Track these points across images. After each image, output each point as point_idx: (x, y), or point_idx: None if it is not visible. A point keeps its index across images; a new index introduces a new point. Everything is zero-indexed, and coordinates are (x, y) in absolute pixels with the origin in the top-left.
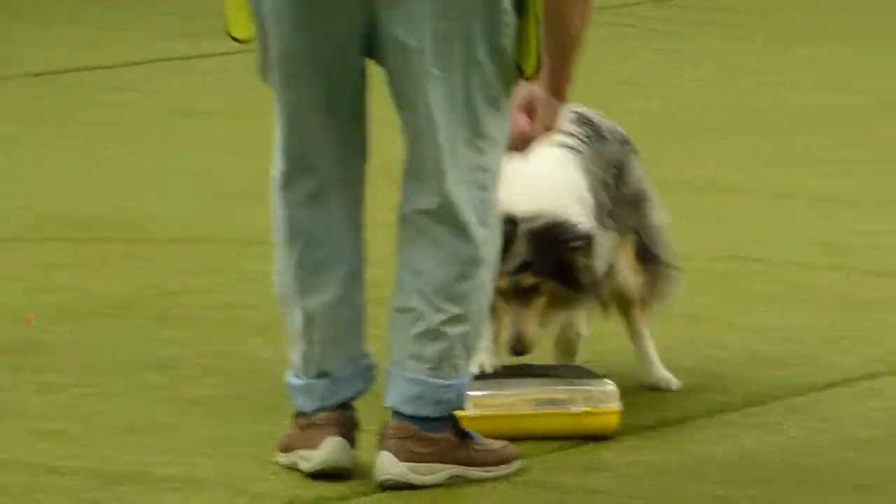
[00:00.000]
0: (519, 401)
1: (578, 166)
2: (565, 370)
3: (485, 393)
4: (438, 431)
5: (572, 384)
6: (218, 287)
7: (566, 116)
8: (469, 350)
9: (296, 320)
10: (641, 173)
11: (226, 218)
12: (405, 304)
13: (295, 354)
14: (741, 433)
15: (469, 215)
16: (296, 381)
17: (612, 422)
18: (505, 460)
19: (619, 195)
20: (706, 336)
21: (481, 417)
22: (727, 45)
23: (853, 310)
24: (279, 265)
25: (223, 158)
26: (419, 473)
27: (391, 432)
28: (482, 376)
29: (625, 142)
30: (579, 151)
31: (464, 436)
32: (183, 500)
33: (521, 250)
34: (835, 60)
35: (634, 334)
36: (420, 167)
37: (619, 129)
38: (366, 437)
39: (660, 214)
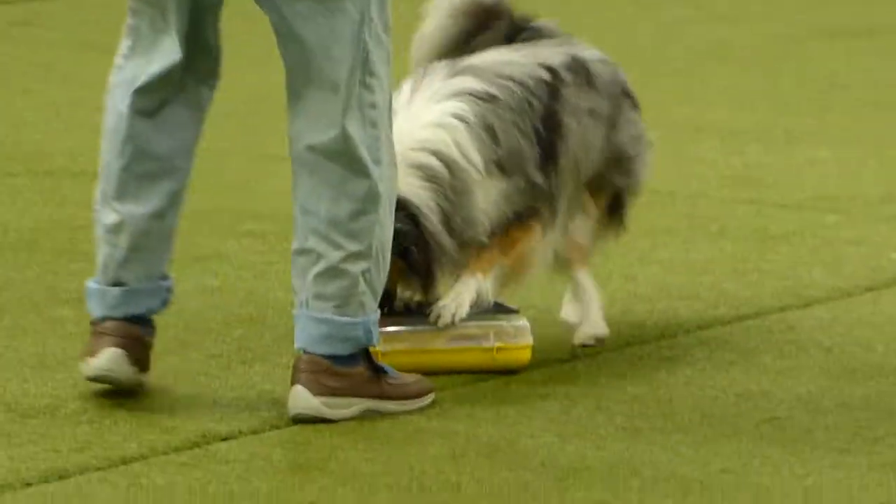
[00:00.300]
0: (432, 336)
1: (466, 111)
2: (479, 306)
3: (398, 329)
4: (351, 366)
5: (484, 319)
6: None
7: (559, 55)
8: (373, 287)
9: (106, 221)
10: (636, 131)
11: None
12: (303, 245)
13: (98, 257)
14: (652, 366)
15: (364, 153)
16: (92, 286)
17: (524, 356)
18: (419, 394)
19: (602, 149)
20: (618, 269)
21: (394, 352)
22: None
23: (764, 243)
24: (105, 160)
25: None
26: (332, 407)
27: (304, 366)
28: (395, 312)
29: (621, 95)
30: (485, 100)
31: (377, 370)
32: (95, 433)
33: None
34: None
35: (576, 285)
36: (312, 105)
37: (620, 80)
38: (281, 371)
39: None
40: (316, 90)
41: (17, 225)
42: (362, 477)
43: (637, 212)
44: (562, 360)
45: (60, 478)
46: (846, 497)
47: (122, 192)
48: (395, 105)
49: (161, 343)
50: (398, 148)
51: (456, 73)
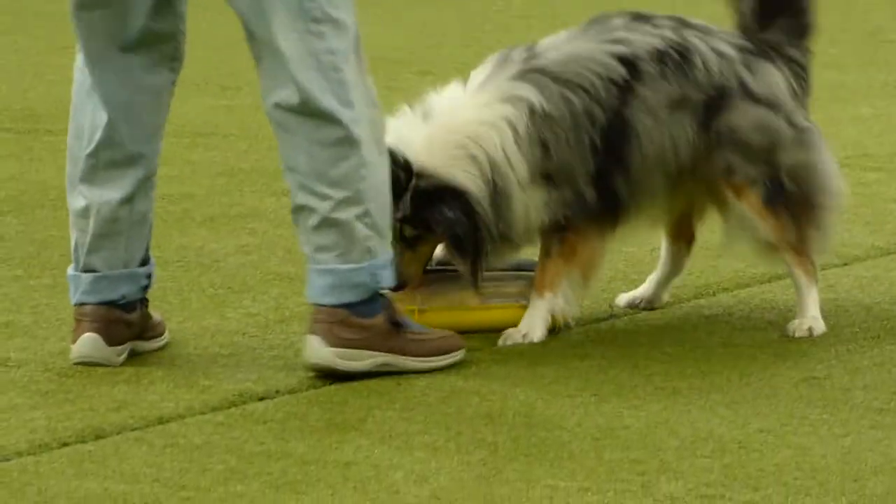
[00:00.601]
0: (468, 294)
1: (520, 120)
2: (516, 264)
3: (434, 287)
4: (369, 317)
5: (521, 277)
6: (166, 179)
7: (657, 39)
8: (377, 228)
9: (75, 206)
10: (754, 117)
11: (174, 108)
12: (296, 202)
13: (70, 242)
14: (690, 326)
15: (329, 101)
16: (69, 272)
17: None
18: (442, 351)
19: (694, 139)
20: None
21: (431, 310)
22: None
23: None
24: (72, 138)
25: None
26: (345, 359)
27: (320, 317)
28: (431, 270)
29: (730, 86)
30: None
31: (397, 324)
32: (132, 393)
33: (405, 203)
34: None
35: (795, 286)
36: (266, 64)
37: (733, 72)
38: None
39: (798, 153)
40: (264, 49)
41: (57, 182)
42: (399, 437)
43: None
44: (599, 320)
45: (97, 437)
46: (884, 457)
47: (90, 177)
48: (470, 81)
49: (199, 302)
50: (455, 126)
51: (525, 74)
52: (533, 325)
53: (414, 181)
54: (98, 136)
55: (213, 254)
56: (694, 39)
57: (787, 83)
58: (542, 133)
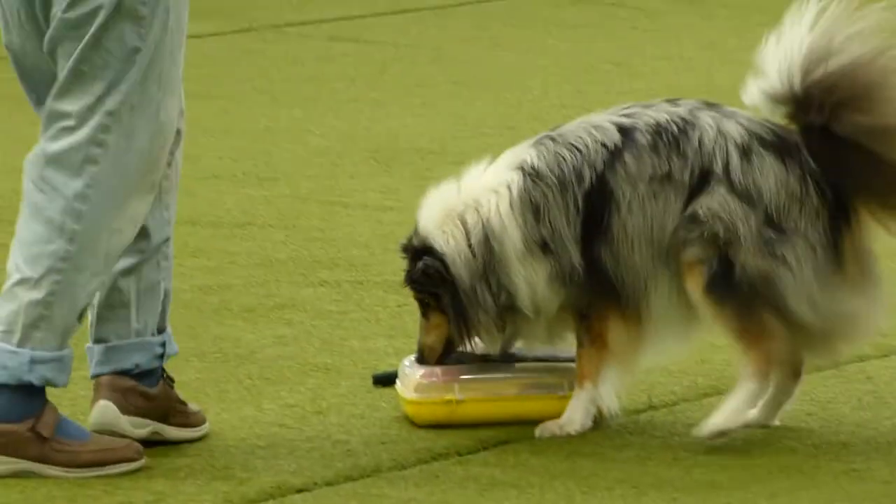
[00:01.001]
0: (507, 385)
1: (516, 184)
2: (553, 355)
3: (472, 377)
4: (8, 422)
5: (558, 368)
6: (203, 269)
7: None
8: (51, 322)
9: None
10: (721, 204)
11: (210, 200)
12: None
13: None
14: None
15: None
16: (87, 345)
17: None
18: (98, 463)
19: (676, 218)
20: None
21: (468, 401)
22: (714, 24)
23: None
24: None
25: (207, 141)
26: None
27: None
28: (470, 360)
29: (715, 171)
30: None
31: (39, 435)
32: (170, 485)
33: (408, 265)
34: None
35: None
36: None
37: (721, 157)
38: (357, 422)
39: (756, 259)
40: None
41: None
42: None
43: None
44: (638, 411)
45: None
46: None
47: None
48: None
49: (236, 392)
50: (464, 191)
51: (537, 141)
52: (572, 417)
53: (410, 240)
54: None
55: (250, 345)
56: (705, 117)
57: (787, 182)
58: (533, 195)
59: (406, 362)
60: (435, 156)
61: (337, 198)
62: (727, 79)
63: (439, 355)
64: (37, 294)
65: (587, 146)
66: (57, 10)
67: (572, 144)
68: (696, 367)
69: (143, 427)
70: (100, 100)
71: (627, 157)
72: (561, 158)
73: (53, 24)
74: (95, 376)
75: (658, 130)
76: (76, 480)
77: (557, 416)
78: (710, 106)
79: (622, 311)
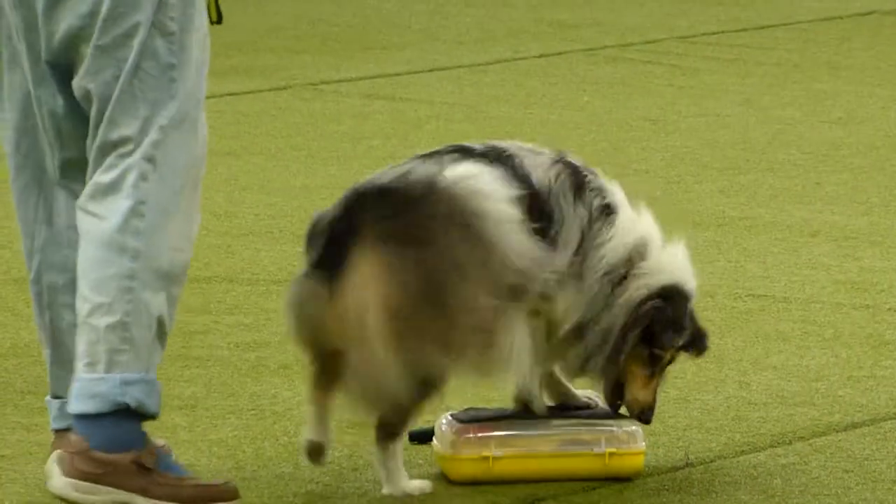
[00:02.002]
0: (543, 441)
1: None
2: (590, 410)
3: (508, 433)
4: (112, 452)
5: (596, 424)
6: (240, 326)
7: None
8: (133, 343)
9: (39, 334)
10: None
11: (247, 257)
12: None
13: None
14: (766, 474)
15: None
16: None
17: (637, 463)
18: (199, 499)
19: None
20: (732, 375)
21: (505, 458)
22: (750, 82)
23: (878, 348)
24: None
25: (244, 198)
26: (81, 491)
27: (64, 444)
28: (507, 416)
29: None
30: None
31: (143, 466)
32: None
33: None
34: (851, 96)
35: None
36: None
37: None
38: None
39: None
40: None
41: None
42: None
43: (750, 317)
44: (675, 468)
45: None
46: None
47: (37, 305)
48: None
49: (273, 450)
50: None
51: None
52: None
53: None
54: (39, 260)
55: (287, 401)
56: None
57: None
58: None
59: (443, 419)
60: None
61: None
62: (762, 135)
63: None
64: (112, 318)
65: None
66: (89, 44)
67: None
68: (732, 424)
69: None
70: (148, 121)
71: None
72: None
73: (87, 59)
74: (54, 430)
75: None
76: None
77: (593, 473)
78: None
79: None
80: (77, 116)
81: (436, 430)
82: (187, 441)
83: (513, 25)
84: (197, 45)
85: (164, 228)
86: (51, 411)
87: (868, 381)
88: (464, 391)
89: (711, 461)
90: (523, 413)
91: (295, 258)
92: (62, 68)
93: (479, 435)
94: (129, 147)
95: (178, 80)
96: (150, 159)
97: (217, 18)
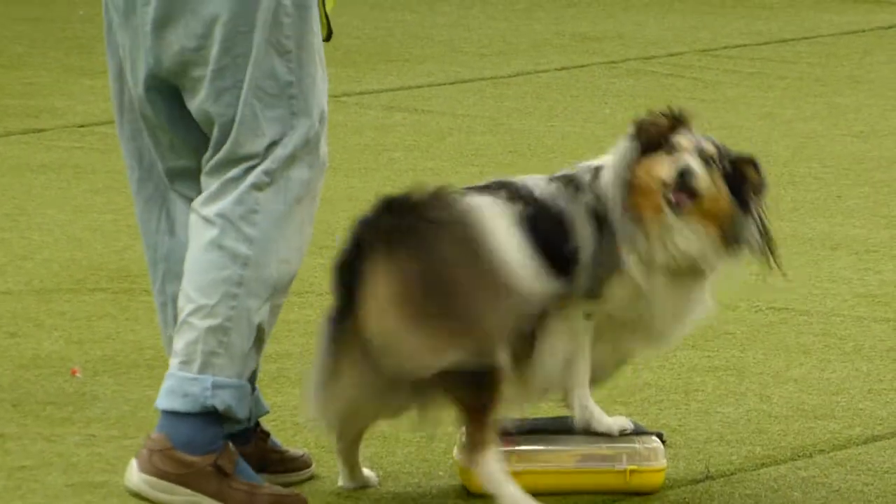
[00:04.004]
0: (564, 456)
1: None
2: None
3: (530, 448)
4: (192, 454)
5: (617, 440)
6: None
7: None
8: (229, 348)
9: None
10: None
11: None
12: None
13: None
14: (787, 487)
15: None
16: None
17: (658, 479)
18: None
19: None
20: (752, 388)
21: (525, 472)
22: (772, 95)
23: None
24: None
25: None
26: (157, 490)
27: (146, 442)
28: (528, 430)
29: None
30: None
31: (221, 470)
32: None
33: None
34: (873, 109)
35: None
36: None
37: None
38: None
39: None
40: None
41: (154, 342)
42: None
43: (771, 330)
44: (695, 481)
45: None
46: None
47: (162, 316)
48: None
49: None
50: None
51: None
52: None
53: None
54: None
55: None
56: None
57: None
58: None
59: (464, 431)
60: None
61: None
62: (784, 149)
63: None
64: (214, 321)
65: None
66: (202, 66)
67: None
68: (753, 437)
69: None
70: (274, 140)
71: None
72: None
73: (205, 82)
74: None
75: None
76: None
77: (614, 489)
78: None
79: None
80: (185, 127)
81: (457, 441)
82: None
83: (535, 38)
84: (315, 61)
85: (275, 239)
86: None
87: (889, 394)
88: None
89: (732, 474)
90: (546, 426)
91: (317, 270)
92: (171, 87)
93: (501, 449)
94: (255, 162)
95: (298, 97)
96: (268, 172)
97: (327, 35)
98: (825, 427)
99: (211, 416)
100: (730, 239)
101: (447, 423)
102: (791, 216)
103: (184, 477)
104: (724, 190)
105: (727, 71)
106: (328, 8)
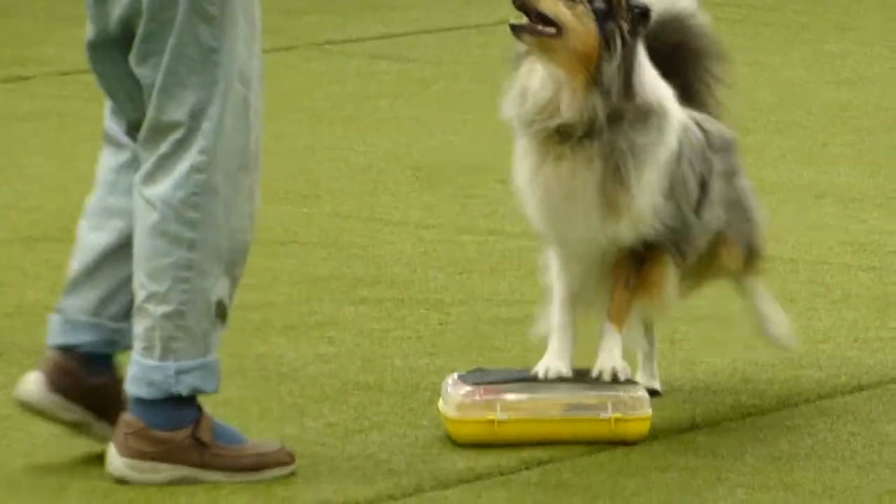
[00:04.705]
0: (549, 405)
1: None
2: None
3: (515, 397)
4: (167, 430)
5: (603, 389)
6: (244, 287)
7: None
8: (189, 331)
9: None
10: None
11: None
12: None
13: None
14: (772, 436)
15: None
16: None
17: (643, 428)
18: (260, 467)
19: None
20: (738, 337)
21: (510, 421)
22: (758, 43)
23: (885, 310)
24: None
25: None
26: (139, 471)
27: (119, 426)
28: (514, 378)
29: (733, 150)
30: None
31: (200, 441)
32: (209, 503)
33: None
34: (860, 57)
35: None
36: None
37: (729, 136)
38: (398, 441)
39: None
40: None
41: None
42: None
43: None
44: (681, 431)
45: None
46: None
47: (91, 218)
48: None
49: (279, 411)
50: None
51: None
52: (615, 357)
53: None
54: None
55: (293, 363)
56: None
57: None
58: (683, 148)
59: (449, 380)
60: (477, 173)
61: (379, 215)
62: (770, 96)
63: None
64: (168, 307)
65: (701, 132)
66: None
67: (696, 129)
68: (739, 386)
69: (72, 412)
70: (197, 107)
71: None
72: (694, 133)
73: (135, 45)
74: (48, 347)
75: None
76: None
77: (599, 438)
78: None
79: (675, 265)
80: (135, 83)
81: (441, 391)
82: None
83: None
84: (243, 23)
85: (221, 215)
86: (49, 323)
87: (875, 343)
88: (468, 354)
89: (717, 423)
90: (530, 375)
91: (300, 218)
92: (119, 47)
93: (485, 398)
94: (180, 133)
95: (222, 63)
96: (203, 151)
97: None
98: (811, 376)
99: (178, 399)
100: (595, 85)
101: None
102: (777, 164)
103: (164, 453)
104: (589, 25)
105: (713, 18)
106: None
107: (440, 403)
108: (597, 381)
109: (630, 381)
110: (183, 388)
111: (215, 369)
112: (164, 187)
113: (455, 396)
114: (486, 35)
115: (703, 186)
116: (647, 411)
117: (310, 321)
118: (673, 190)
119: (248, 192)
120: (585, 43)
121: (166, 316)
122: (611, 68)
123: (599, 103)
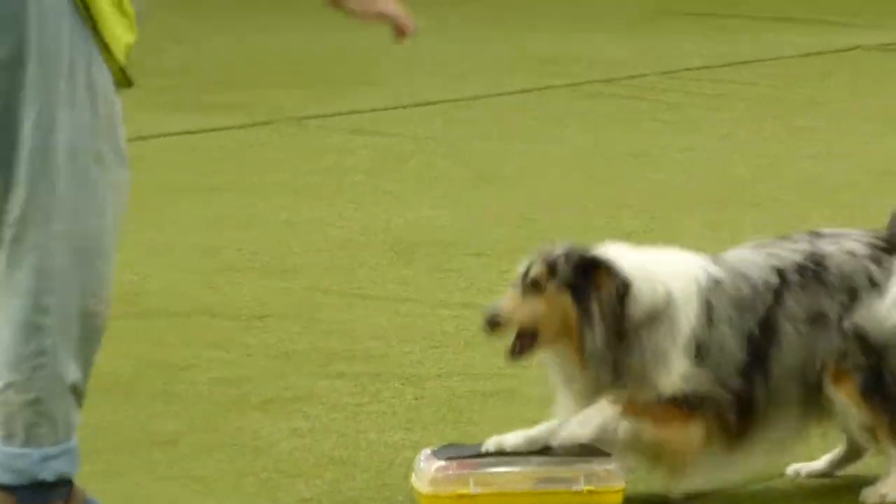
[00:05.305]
0: (522, 478)
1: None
2: (570, 447)
3: (487, 470)
4: None
5: (575, 462)
6: (221, 362)
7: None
8: (49, 416)
9: None
10: (879, 315)
11: (229, 292)
12: None
13: None
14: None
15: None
16: None
17: (616, 500)
18: None
19: (832, 348)
20: None
21: (483, 495)
22: (732, 116)
23: None
24: None
25: (225, 233)
26: None
27: None
28: (487, 454)
29: (862, 286)
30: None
31: None
32: None
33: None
34: (831, 132)
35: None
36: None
37: (861, 270)
38: None
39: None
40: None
41: (113, 367)
42: None
43: None
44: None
45: None
46: None
47: None
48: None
49: (252, 486)
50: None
51: (716, 259)
52: (588, 422)
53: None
54: None
55: (268, 437)
56: (828, 247)
57: None
58: (712, 301)
59: (421, 456)
60: (454, 248)
61: (356, 290)
62: (743, 169)
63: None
64: (28, 395)
65: (757, 283)
66: None
67: (746, 276)
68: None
69: None
70: (29, 197)
71: (788, 300)
72: (739, 284)
73: None
74: None
75: (801, 269)
76: None
77: None
78: (819, 235)
79: (708, 429)
80: None
81: (415, 466)
82: (167, 477)
83: (496, 59)
84: (87, 106)
85: (75, 296)
86: None
87: None
88: (444, 429)
89: (696, 498)
90: (502, 451)
91: (276, 293)
92: None
93: (458, 472)
94: (14, 230)
95: (59, 147)
96: (51, 237)
97: (128, 83)
98: None
99: (44, 483)
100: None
101: (405, 448)
102: (753, 238)
103: None
104: (562, 304)
105: (688, 93)
106: (121, 59)
107: (413, 479)
108: (568, 454)
109: (603, 453)
110: (49, 475)
111: (77, 452)
112: (18, 278)
113: (428, 471)
114: (462, 110)
115: (765, 331)
116: (621, 483)
117: (285, 395)
118: (706, 354)
119: (101, 269)
120: (565, 327)
121: (27, 403)
122: (594, 337)
123: (600, 366)
